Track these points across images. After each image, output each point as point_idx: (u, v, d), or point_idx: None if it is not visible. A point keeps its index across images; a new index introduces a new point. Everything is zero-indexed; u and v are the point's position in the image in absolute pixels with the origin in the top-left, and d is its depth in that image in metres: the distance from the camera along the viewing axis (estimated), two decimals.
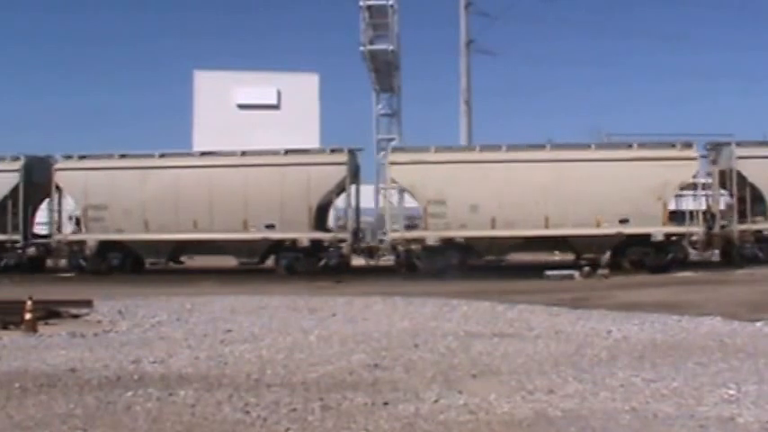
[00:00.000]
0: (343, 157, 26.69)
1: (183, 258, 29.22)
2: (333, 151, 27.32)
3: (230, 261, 28.33)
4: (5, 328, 13.42)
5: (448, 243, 26.05)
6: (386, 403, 7.73)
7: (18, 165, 28.10)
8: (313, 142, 38.47)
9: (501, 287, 20.92)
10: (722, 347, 10.72)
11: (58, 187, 28.21)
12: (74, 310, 15.38)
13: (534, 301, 16.65)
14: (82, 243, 27.50)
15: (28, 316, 13.27)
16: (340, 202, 28.30)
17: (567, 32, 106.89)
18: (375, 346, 10.95)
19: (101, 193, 27.25)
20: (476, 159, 26.61)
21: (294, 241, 26.44)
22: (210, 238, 26.75)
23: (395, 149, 27.70)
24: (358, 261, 28.24)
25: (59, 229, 28.75)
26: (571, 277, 24.00)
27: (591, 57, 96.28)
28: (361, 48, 42.06)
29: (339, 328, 12.74)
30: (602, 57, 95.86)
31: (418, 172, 26.38)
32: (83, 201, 27.72)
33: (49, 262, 29.96)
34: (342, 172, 26.62)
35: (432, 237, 25.94)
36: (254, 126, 44.75)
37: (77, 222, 28.91)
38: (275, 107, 50.31)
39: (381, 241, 27.18)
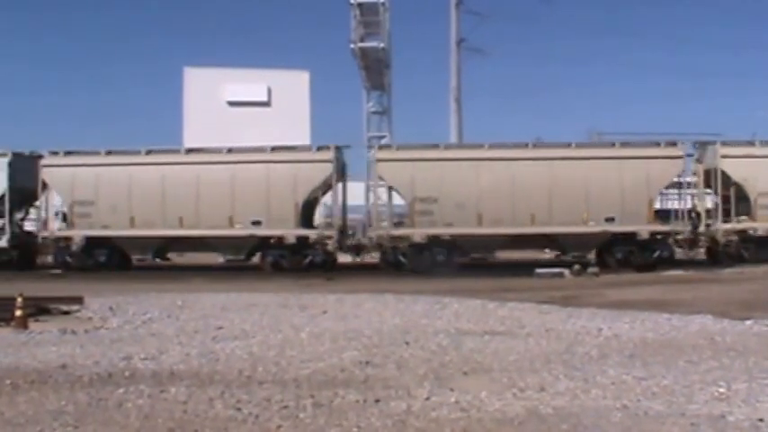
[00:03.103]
0: (330, 155, 26.78)
1: (170, 255, 29.14)
2: (319, 148, 27.36)
3: (217, 258, 28.38)
4: None
5: (434, 240, 26.10)
6: (377, 400, 7.73)
7: (4, 161, 28.05)
8: (303, 140, 38.43)
9: (492, 285, 20.97)
10: (712, 345, 10.76)
11: (44, 183, 28.10)
12: (64, 307, 15.36)
13: (525, 299, 16.69)
14: (68, 239, 27.46)
15: (18, 313, 13.22)
16: (327, 199, 28.34)
17: (559, 31, 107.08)
18: (366, 344, 10.95)
19: (87, 189, 27.25)
20: (463, 157, 26.73)
21: (280, 238, 26.49)
22: (196, 234, 26.74)
23: (382, 147, 27.77)
24: (344, 258, 28.28)
25: (46, 226, 28.64)
26: (561, 275, 24.06)
27: (583, 55, 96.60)
28: (352, 45, 42.06)
29: (330, 326, 12.74)
30: (594, 55, 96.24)
31: (405, 169, 26.48)
32: (69, 197, 27.70)
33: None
34: (328, 169, 26.68)
35: (418, 234, 26.01)
36: (245, 123, 44.72)
37: (64, 218, 28.83)
38: (266, 104, 50.29)
39: (371, 239, 27.18)
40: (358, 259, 27.83)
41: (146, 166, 27.30)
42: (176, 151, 28.33)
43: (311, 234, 26.84)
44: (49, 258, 28.80)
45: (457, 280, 22.40)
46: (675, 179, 27.19)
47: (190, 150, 28.43)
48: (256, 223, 26.56)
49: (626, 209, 25.81)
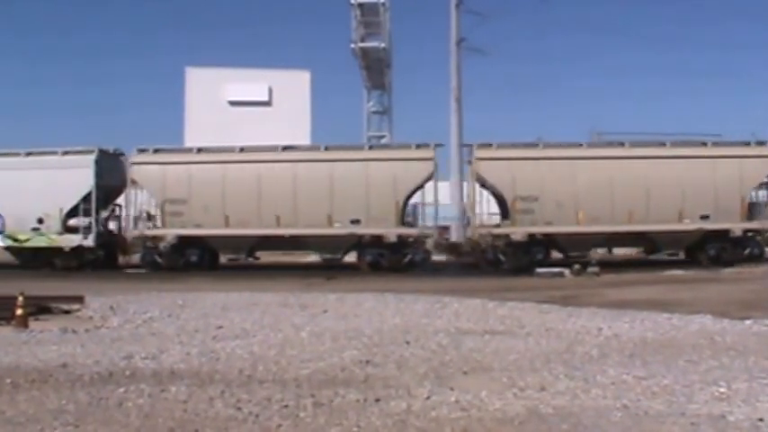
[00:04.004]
0: (430, 153, 26.66)
1: (258, 254, 28.51)
2: (419, 147, 27.08)
3: (307, 256, 28.09)
4: None
5: (534, 239, 26.27)
6: (378, 400, 7.74)
7: (91, 158, 27.47)
8: (304, 139, 38.55)
9: (492, 284, 20.98)
10: (712, 345, 10.77)
11: (133, 181, 27.47)
12: (65, 306, 15.39)
13: (525, 298, 16.70)
14: (159, 238, 26.91)
15: (19, 312, 13.23)
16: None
17: (559, 31, 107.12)
18: (367, 343, 10.96)
19: (180, 187, 26.73)
20: (562, 156, 26.73)
21: (380, 237, 26.22)
22: (294, 233, 26.42)
23: (481, 146, 27.41)
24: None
25: (137, 225, 27.75)
26: (562, 275, 24.06)
27: (583, 54, 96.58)
28: (353, 45, 42.18)
29: (331, 325, 12.74)
30: (595, 55, 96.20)
31: (506, 168, 26.44)
32: (161, 195, 27.09)
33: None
34: (429, 168, 26.54)
35: (519, 233, 26.10)
36: (246, 123, 44.77)
37: (149, 217, 27.91)
38: (267, 104, 50.34)
39: (469, 238, 27.05)
40: (453, 258, 27.60)
41: (241, 164, 26.92)
42: (272, 149, 27.56)
43: (413, 232, 26.62)
44: (135, 258, 28.24)
45: (457, 279, 22.40)
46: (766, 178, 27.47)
47: (285, 148, 27.67)
48: (355, 222, 26.25)
49: (719, 206, 26.15)
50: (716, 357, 9.81)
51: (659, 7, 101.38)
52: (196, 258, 26.96)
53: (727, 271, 24.29)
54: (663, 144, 27.45)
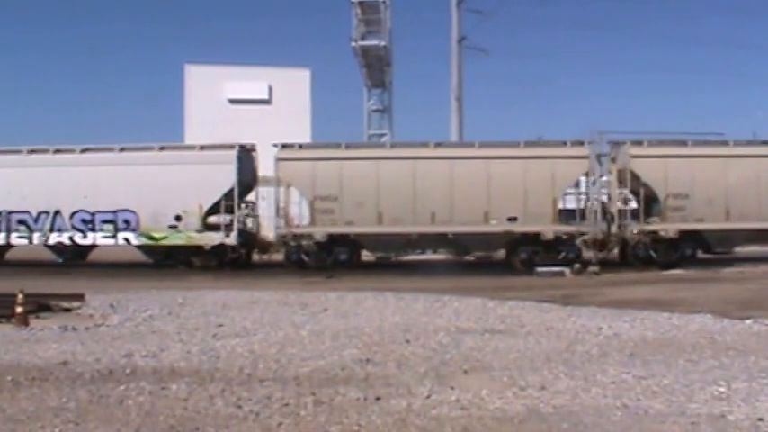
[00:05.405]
0: (586, 150, 26.55)
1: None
2: (574, 144, 26.86)
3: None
4: None
5: (684, 236, 26.29)
6: (378, 398, 7.75)
7: (233, 154, 26.82)
8: (304, 138, 38.46)
9: (492, 283, 21.00)
10: (712, 345, 10.78)
11: (279, 178, 26.64)
12: (65, 304, 15.38)
13: (525, 297, 16.71)
14: (306, 236, 26.26)
15: (19, 309, 13.25)
16: None
17: (560, 30, 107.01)
18: (367, 342, 10.97)
19: (330, 184, 26.15)
20: (711, 154, 26.65)
21: (537, 234, 26.00)
22: (449, 231, 26.16)
23: (634, 143, 27.30)
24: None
25: (287, 222, 26.80)
26: (562, 274, 24.07)
27: (584, 53, 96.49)
28: (353, 43, 42.09)
29: (331, 323, 12.75)
30: (595, 54, 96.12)
31: (659, 165, 26.46)
32: (310, 192, 26.48)
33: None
34: (585, 165, 26.49)
35: (671, 230, 26.16)
36: (245, 121, 44.70)
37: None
38: (267, 102, 50.27)
39: (617, 235, 26.94)
40: (600, 255, 27.54)
41: (395, 161, 26.56)
42: (425, 145, 27.12)
43: (571, 230, 26.37)
44: (277, 257, 27.47)
45: (457, 278, 22.41)
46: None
47: (439, 144, 27.28)
48: (512, 219, 26.04)
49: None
50: (716, 357, 9.82)
51: (663, 4, 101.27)
52: (345, 257, 26.46)
53: (728, 270, 24.30)
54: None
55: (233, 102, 49.83)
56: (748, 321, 12.94)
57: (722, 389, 7.99)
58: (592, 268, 24.70)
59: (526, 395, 7.88)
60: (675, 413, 7.16)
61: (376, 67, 43.61)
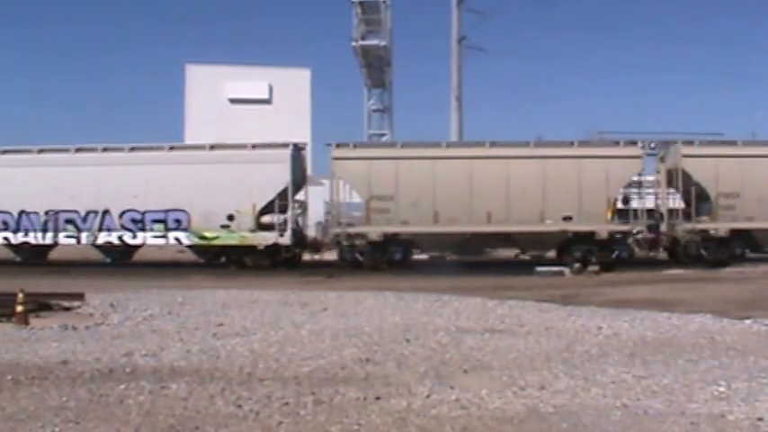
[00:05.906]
0: (638, 151, 26.61)
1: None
2: (626, 144, 27.01)
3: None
4: None
5: (735, 234, 26.44)
6: (378, 398, 7.75)
7: (287, 153, 26.72)
8: (304, 137, 38.44)
9: (492, 283, 21.01)
10: (712, 345, 10.78)
11: (335, 177, 26.68)
12: (65, 303, 15.37)
13: (525, 297, 16.72)
14: (361, 236, 26.37)
15: (19, 308, 13.24)
16: None
17: (560, 29, 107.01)
18: (367, 341, 10.97)
19: (386, 183, 26.20)
20: (763, 154, 26.75)
21: (591, 233, 26.07)
22: (504, 230, 26.26)
23: (686, 143, 27.39)
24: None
25: (340, 222, 26.69)
26: (561, 274, 24.09)
27: (584, 53, 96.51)
28: (353, 43, 42.14)
29: (331, 323, 12.75)
30: (595, 54, 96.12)
31: (711, 165, 26.55)
32: (366, 191, 26.50)
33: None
34: (639, 165, 26.65)
35: (722, 228, 26.34)
36: (246, 120, 44.75)
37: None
38: (267, 102, 50.36)
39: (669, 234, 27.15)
40: (651, 254, 27.60)
41: (451, 160, 26.57)
42: (481, 144, 27.16)
43: (625, 229, 26.53)
44: (330, 256, 27.47)
45: (457, 278, 22.42)
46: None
47: (494, 143, 27.02)
48: (567, 218, 26.12)
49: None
50: (715, 357, 9.82)
51: (663, 4, 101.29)
52: (400, 256, 26.47)
53: (727, 270, 24.33)
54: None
55: (233, 101, 49.93)
56: (748, 321, 12.95)
57: (722, 389, 7.98)
58: (591, 268, 24.73)
59: (526, 395, 7.88)
60: (675, 413, 7.16)
61: (376, 66, 43.65)
